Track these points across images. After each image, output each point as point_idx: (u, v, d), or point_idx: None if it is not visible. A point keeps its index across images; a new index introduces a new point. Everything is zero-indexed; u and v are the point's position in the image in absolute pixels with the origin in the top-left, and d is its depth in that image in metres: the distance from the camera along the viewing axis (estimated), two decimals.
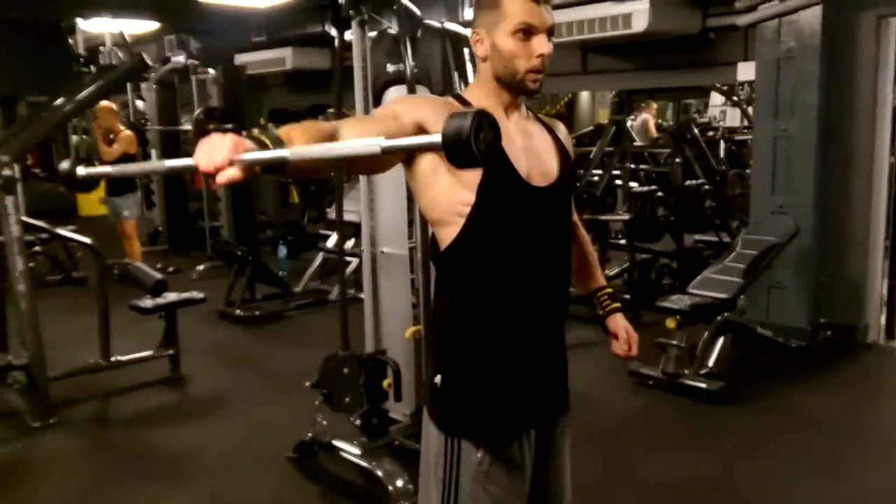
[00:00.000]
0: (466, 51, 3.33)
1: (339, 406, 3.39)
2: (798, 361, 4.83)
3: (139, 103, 9.35)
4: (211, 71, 7.89)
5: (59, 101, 4.36)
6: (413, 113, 1.59)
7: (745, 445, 3.73)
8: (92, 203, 11.13)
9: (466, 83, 3.31)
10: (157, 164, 1.33)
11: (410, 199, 3.39)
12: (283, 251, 7.83)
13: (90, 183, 1.39)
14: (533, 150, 1.71)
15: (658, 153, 7.10)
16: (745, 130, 7.97)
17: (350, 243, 7.02)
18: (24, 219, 4.52)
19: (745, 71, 5.45)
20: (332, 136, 1.40)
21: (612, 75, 6.39)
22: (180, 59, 8.22)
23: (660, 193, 5.78)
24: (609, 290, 2.00)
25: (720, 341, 4.47)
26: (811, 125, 4.93)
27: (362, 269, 3.69)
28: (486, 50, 1.68)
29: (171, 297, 4.84)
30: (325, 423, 3.51)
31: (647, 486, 3.36)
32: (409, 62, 3.14)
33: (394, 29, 3.33)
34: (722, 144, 7.33)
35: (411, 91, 3.15)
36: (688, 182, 6.23)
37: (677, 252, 6.19)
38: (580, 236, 2.00)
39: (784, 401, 4.27)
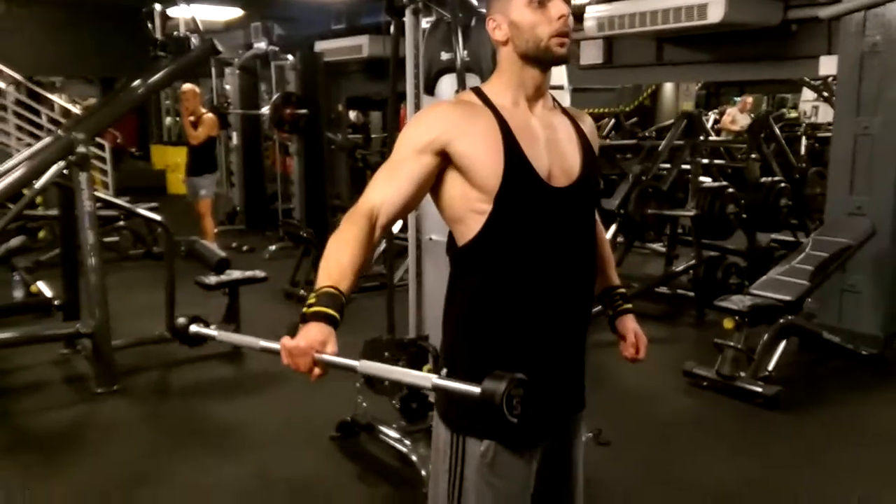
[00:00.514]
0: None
1: (379, 389, 3.43)
2: (868, 370, 4.61)
3: (227, 86, 9.66)
4: (290, 57, 8.08)
5: (136, 83, 4.54)
6: (435, 140, 1.58)
7: (797, 454, 3.59)
8: (180, 183, 11.60)
9: None
10: (251, 340, 1.60)
11: None
12: None
13: (198, 340, 1.76)
14: (556, 144, 1.67)
15: (734, 148, 6.85)
16: (830, 127, 7.59)
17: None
18: (100, 195, 4.73)
19: (828, 65, 5.20)
20: (370, 221, 1.56)
21: (688, 67, 6.20)
22: (262, 45, 8.44)
23: (730, 190, 5.59)
24: (622, 290, 1.95)
25: (782, 345, 4.31)
26: (895, 124, 4.67)
27: (410, 255, 3.71)
28: (504, 33, 1.63)
29: (235, 274, 5.00)
30: (365, 404, 3.56)
31: (687, 489, 3.28)
32: (461, 51, 3.14)
33: (449, 17, 3.32)
34: (804, 141, 7.03)
35: (461, 79, 3.14)
36: (763, 179, 6.00)
37: (748, 251, 5.99)
38: (598, 233, 1.95)
39: (846, 410, 4.08)
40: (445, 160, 1.59)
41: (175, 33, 4.70)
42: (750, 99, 11.91)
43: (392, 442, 3.42)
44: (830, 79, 8.89)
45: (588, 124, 1.80)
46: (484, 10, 3.36)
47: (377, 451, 3.52)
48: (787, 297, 4.25)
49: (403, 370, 1.38)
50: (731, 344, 4.18)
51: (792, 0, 5.24)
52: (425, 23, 3.46)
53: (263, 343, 1.53)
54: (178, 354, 4.80)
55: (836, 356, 4.70)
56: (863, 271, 4.88)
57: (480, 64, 3.28)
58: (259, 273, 5.15)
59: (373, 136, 12.58)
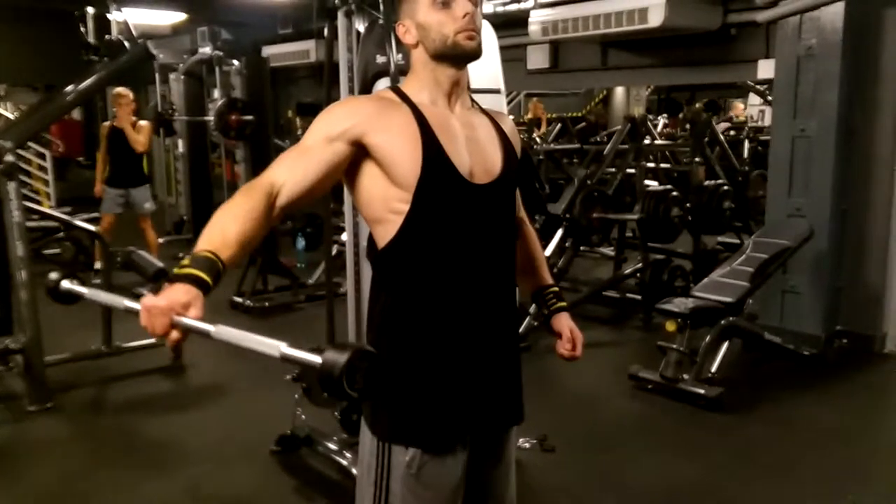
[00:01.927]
0: None
1: (317, 400, 3.36)
2: (809, 370, 4.67)
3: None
4: (235, 63, 7.94)
5: (66, 89, 4.40)
6: (348, 130, 1.55)
7: (740, 455, 3.61)
8: None
9: None
10: (117, 300, 1.44)
11: None
12: (301, 243, 7.87)
13: (71, 297, 1.58)
14: (476, 142, 1.66)
15: (679, 152, 6.92)
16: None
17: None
18: (33, 206, 4.58)
19: (766, 68, 5.28)
20: (268, 198, 1.48)
21: (633, 71, 6.25)
22: (206, 50, 8.29)
23: (675, 193, 5.63)
24: (555, 288, 1.93)
25: (724, 347, 4.35)
26: (831, 126, 4.76)
27: (346, 262, 3.64)
28: (414, 36, 1.63)
29: None
30: (303, 417, 3.48)
31: (632, 493, 3.27)
32: (394, 54, 3.09)
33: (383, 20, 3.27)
34: (747, 144, 7.14)
35: (395, 83, 3.09)
36: (706, 182, 6.07)
37: (693, 253, 6.04)
38: (526, 233, 1.93)
39: (788, 411, 4.12)
40: (361, 153, 1.56)
41: (107, 37, 4.56)
42: (741, 106, 12.06)
43: (332, 455, 3.34)
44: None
45: (508, 125, 1.79)
46: None
47: (318, 464, 3.44)
48: (728, 299, 4.29)
49: (256, 338, 1.27)
50: (674, 346, 4.20)
51: (731, 4, 5.30)
52: (360, 26, 3.41)
53: (127, 302, 1.39)
54: (115, 369, 4.67)
55: (779, 357, 4.76)
56: (803, 272, 4.95)
57: None
58: None
59: None
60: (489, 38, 3.45)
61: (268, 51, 8.67)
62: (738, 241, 6.67)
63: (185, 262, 1.36)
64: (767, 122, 11.22)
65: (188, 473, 3.44)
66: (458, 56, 1.61)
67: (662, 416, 4.08)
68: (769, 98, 9.31)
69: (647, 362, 4.40)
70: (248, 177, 8.14)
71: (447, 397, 1.65)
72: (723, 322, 4.28)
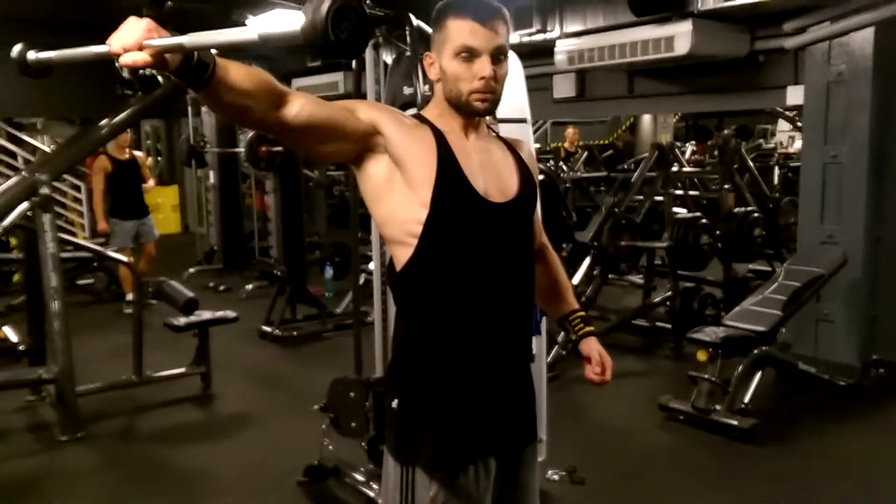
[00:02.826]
0: None
1: (345, 431, 3.35)
2: (845, 401, 4.56)
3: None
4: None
5: (101, 122, 4.50)
6: (370, 112, 1.59)
7: (775, 489, 3.52)
8: (159, 222, 11.51)
9: None
10: (84, 50, 1.31)
11: None
12: (329, 272, 7.91)
13: (41, 69, 1.44)
14: (491, 166, 1.68)
15: (707, 179, 6.87)
16: None
17: None
18: (66, 237, 4.66)
19: (795, 95, 5.23)
20: (279, 95, 1.43)
21: (658, 99, 6.24)
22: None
23: (704, 220, 5.58)
24: (581, 313, 1.93)
25: (757, 377, 4.26)
26: (863, 151, 4.70)
27: (374, 290, 3.64)
28: (436, 74, 1.67)
29: (204, 315, 4.91)
30: (331, 447, 3.47)
31: None
32: (421, 86, 3.11)
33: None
34: (776, 171, 7.07)
35: None
36: (736, 209, 6.01)
37: (724, 281, 5.97)
38: (549, 258, 1.94)
39: (824, 443, 4.02)
40: (376, 149, 1.57)
41: (141, 72, 4.65)
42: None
43: (359, 486, 3.32)
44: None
45: (525, 151, 1.82)
46: None
47: (345, 495, 3.42)
48: (761, 328, 4.22)
49: (228, 31, 1.13)
50: (706, 377, 4.13)
51: (759, 31, 5.28)
52: (387, 58, 3.45)
53: (95, 49, 1.26)
54: (145, 399, 4.70)
55: (813, 387, 4.65)
56: (837, 300, 4.86)
57: None
58: (229, 313, 5.07)
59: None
60: (515, 69, 3.46)
61: (297, 83, 8.79)
62: (769, 268, 6.58)
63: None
64: (796, 147, 11.14)
65: (216, 503, 3.44)
66: (468, 113, 1.65)
67: (694, 448, 4.00)
68: (799, 124, 9.24)
69: (678, 392, 4.33)
70: (279, 207, 8.24)
71: (467, 417, 1.65)
72: (755, 352, 4.21)
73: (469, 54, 1.59)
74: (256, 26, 1.10)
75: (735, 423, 3.99)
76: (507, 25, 1.63)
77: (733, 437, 3.99)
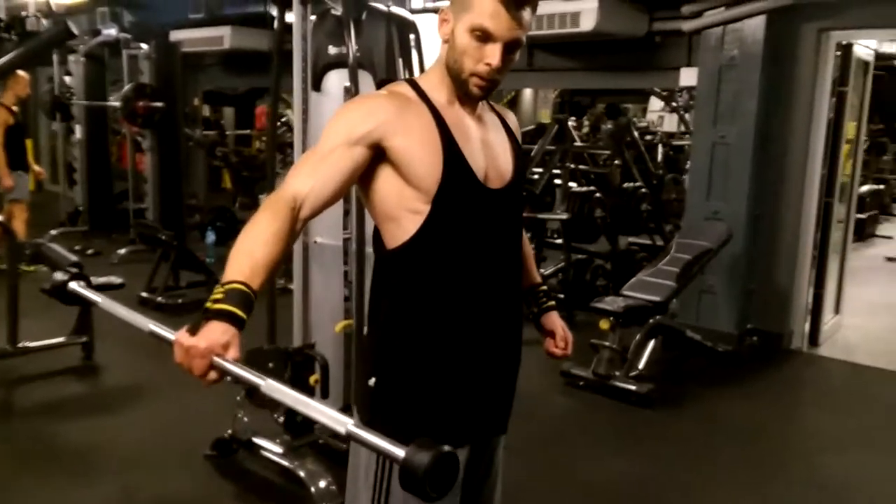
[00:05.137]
0: (412, 37, 3.20)
1: (262, 402, 3.22)
2: (725, 366, 4.88)
3: (66, 77, 8.91)
4: (144, 46, 7.56)
5: None
6: (369, 134, 1.49)
7: (675, 449, 3.73)
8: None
9: (411, 71, 3.19)
10: (141, 320, 1.44)
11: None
12: (211, 237, 7.59)
13: (73, 299, 1.58)
14: (490, 145, 1.63)
15: (598, 154, 7.10)
16: (684, 136, 8.07)
17: None
18: None
19: (688, 76, 5.47)
20: (292, 213, 1.42)
21: (556, 74, 6.34)
22: (111, 32, 7.86)
23: (598, 194, 5.77)
24: (545, 287, 1.95)
25: (651, 344, 4.48)
26: (749, 133, 4.99)
27: (293, 259, 3.52)
28: (446, 34, 1.57)
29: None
30: (246, 419, 3.34)
31: (574, 488, 3.32)
32: (353, 46, 3.00)
33: (337, 10, 3.18)
34: (660, 149, 7.41)
35: (353, 76, 3.01)
36: (625, 184, 6.25)
37: (612, 254, 6.21)
38: None
39: (711, 405, 4.29)
40: (378, 155, 1.51)
41: (23, 14, 4.23)
42: None
43: (276, 458, 3.22)
44: (677, 91, 9.45)
45: (513, 121, 1.78)
46: (375, 5, 3.26)
47: (258, 468, 3.31)
48: (657, 298, 4.42)
49: (319, 407, 1.20)
50: (607, 344, 4.30)
51: (657, 13, 5.47)
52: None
53: (154, 327, 1.39)
54: (22, 370, 4.34)
55: (697, 354, 4.94)
56: (719, 273, 5.17)
57: (373, 60, 3.17)
58: (115, 279, 4.74)
59: (227, 132, 12.03)
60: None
61: (176, 35, 8.29)
62: (649, 242, 6.90)
63: (218, 295, 1.32)
64: (666, 127, 11.71)
65: (120, 480, 3.24)
66: (461, 89, 1.57)
67: (596, 412, 4.16)
68: (673, 104, 9.71)
69: (576, 360, 4.47)
70: (156, 166, 7.79)
71: (455, 401, 1.63)
72: (651, 321, 4.42)
73: (484, 36, 1.50)
74: (348, 422, 1.17)
75: (633, 388, 4.19)
76: (533, 17, 1.57)
77: (631, 401, 4.18)
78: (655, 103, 12.11)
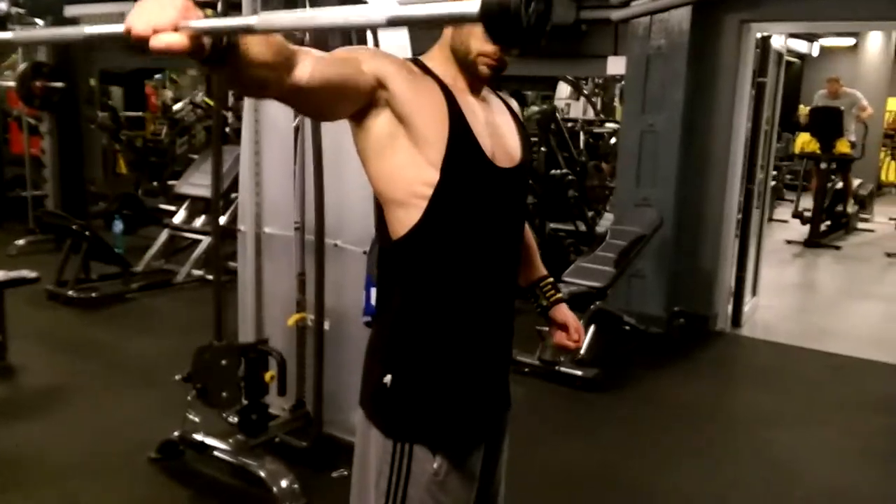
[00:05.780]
0: (370, 37, 3.07)
1: (216, 401, 3.06)
2: (658, 348, 5.01)
3: None
4: (39, 22, 7.03)
5: None
6: (374, 64, 1.41)
7: (626, 432, 3.81)
8: None
9: None
10: (73, 30, 1.00)
11: (303, 176, 3.13)
12: (118, 226, 7.17)
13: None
14: (495, 127, 1.58)
15: None
16: (602, 124, 8.23)
17: (199, 220, 6.56)
18: None
19: (615, 65, 5.56)
20: (289, 57, 1.23)
21: None
22: (2, 6, 7.25)
23: (530, 181, 5.79)
24: (551, 279, 1.92)
25: (591, 329, 4.54)
26: (676, 122, 5.11)
27: (241, 250, 3.35)
28: None
29: None
30: (197, 419, 3.16)
31: (529, 475, 3.32)
32: (306, 39, 2.86)
33: None
34: (581, 136, 7.54)
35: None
36: (553, 171, 6.31)
37: (541, 240, 6.26)
38: None
39: (653, 386, 4.41)
40: (382, 105, 1.42)
41: None
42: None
43: (231, 459, 3.07)
44: (582, 80, 9.63)
45: (515, 106, 1.74)
46: None
47: (211, 470, 3.15)
48: (598, 284, 4.49)
49: (338, 11, 0.89)
50: None
51: (584, 1, 5.52)
52: None
53: (90, 29, 0.98)
54: None
55: (630, 337, 5.06)
56: (648, 257, 5.28)
57: (326, 42, 3.03)
58: (28, 273, 4.40)
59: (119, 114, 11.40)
60: (401, 36, 3.32)
61: (73, 11, 7.74)
62: (572, 228, 7.01)
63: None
64: (572, 114, 11.93)
65: (57, 489, 3.02)
66: (468, 72, 1.52)
67: (545, 398, 4.19)
68: (584, 92, 9.89)
69: (519, 347, 4.49)
70: (54, 151, 7.31)
71: (472, 391, 1.60)
72: (592, 306, 4.48)
73: None
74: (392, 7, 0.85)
75: (580, 373, 4.24)
76: None
77: (577, 386, 4.23)
78: (562, 91, 12.30)
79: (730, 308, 5.55)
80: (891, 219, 10.19)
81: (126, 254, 6.49)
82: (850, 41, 12.99)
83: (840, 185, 9.09)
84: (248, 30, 0.93)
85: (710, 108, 5.21)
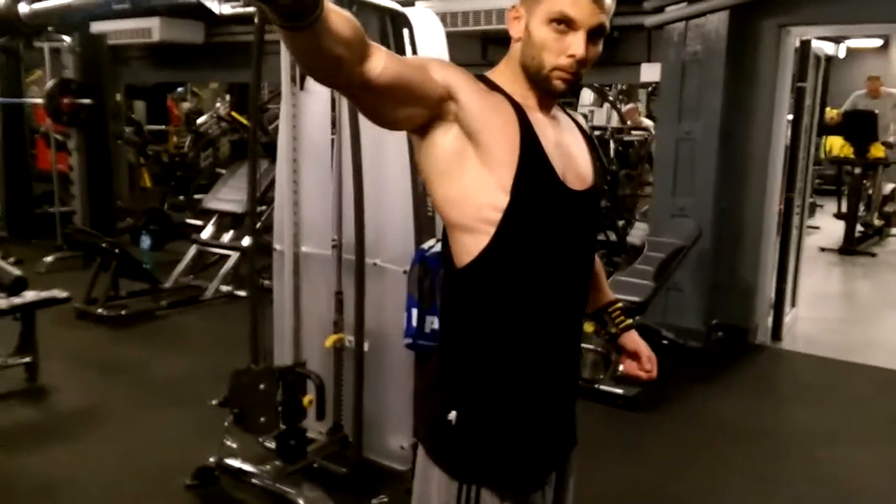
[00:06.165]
0: (406, 31, 3.00)
1: (253, 427, 2.99)
2: (697, 363, 4.86)
3: None
4: (66, 38, 7.04)
5: None
6: (445, 74, 1.34)
7: (673, 451, 3.69)
8: None
9: None
10: None
11: (340, 193, 3.04)
12: (146, 242, 7.14)
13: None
14: (565, 147, 1.49)
15: None
16: (633, 132, 8.10)
17: (228, 236, 6.51)
18: None
19: (649, 72, 5.44)
20: (365, 44, 1.20)
21: None
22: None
23: None
24: (620, 304, 1.83)
25: None
26: (714, 129, 4.98)
27: (277, 270, 3.28)
28: (519, 31, 1.44)
29: (30, 295, 4.18)
30: (234, 445, 3.08)
31: (593, 498, 3.20)
32: None
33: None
34: (611, 144, 7.43)
35: None
36: None
37: None
38: None
39: (695, 403, 4.27)
40: (448, 116, 1.34)
41: None
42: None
43: (269, 486, 2.98)
44: (607, 86, 9.50)
45: (584, 125, 1.65)
46: None
47: (248, 497, 3.06)
48: (638, 298, 4.35)
49: None
50: (592, 347, 4.21)
51: (618, 7, 5.39)
52: None
53: None
54: None
55: (668, 352, 4.92)
56: (685, 269, 5.15)
57: None
58: (59, 293, 4.36)
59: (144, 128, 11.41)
60: (436, 27, 3.25)
61: (99, 27, 7.76)
62: (603, 238, 6.87)
63: None
64: (596, 122, 11.79)
65: None
66: (543, 89, 1.44)
67: (587, 417, 4.04)
68: (610, 99, 9.76)
69: None
70: (83, 167, 7.31)
71: (541, 430, 1.52)
72: (631, 321, 4.34)
73: (565, 25, 1.37)
74: None
75: (621, 391, 4.12)
76: (615, 1, 1.44)
77: (618, 404, 4.11)
78: (585, 98, 12.17)
79: (769, 320, 5.39)
80: None
81: (154, 270, 6.46)
82: (878, 42, 12.75)
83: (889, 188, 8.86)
84: None
85: (748, 115, 5.07)
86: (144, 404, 4.05)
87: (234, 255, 6.16)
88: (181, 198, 8.67)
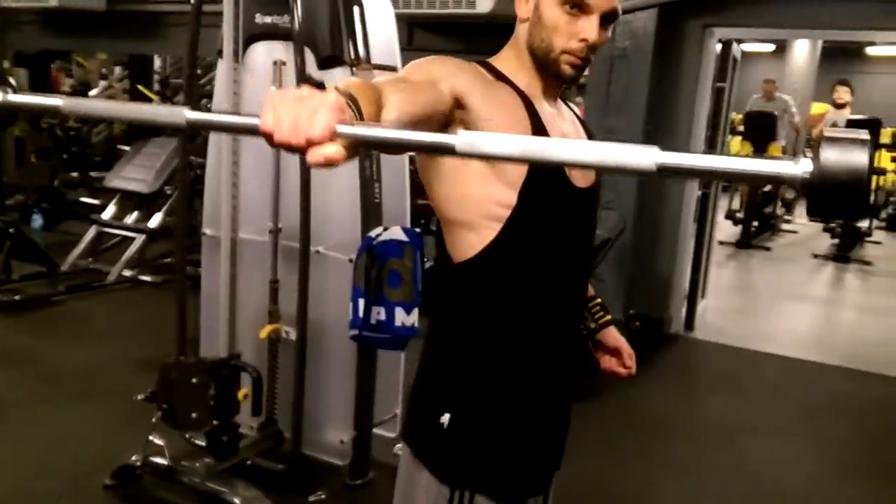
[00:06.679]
0: (356, 10, 2.86)
1: (184, 422, 2.80)
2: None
3: None
4: None
5: None
6: (452, 80, 1.25)
7: (600, 441, 3.70)
8: None
9: (356, 48, 2.85)
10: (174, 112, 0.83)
11: (278, 176, 2.89)
12: (37, 221, 6.69)
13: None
14: (569, 139, 1.42)
15: None
16: None
17: (132, 217, 6.15)
18: None
19: None
20: (379, 100, 1.03)
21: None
22: None
23: None
24: (599, 300, 1.78)
25: None
26: (638, 125, 5.05)
27: (208, 256, 3.08)
28: (527, 12, 1.37)
29: None
30: (160, 442, 2.88)
31: None
32: (298, 15, 2.63)
33: None
34: None
35: (298, 51, 2.64)
36: None
37: None
38: None
39: (617, 395, 4.25)
40: (455, 121, 1.25)
41: None
42: None
43: (199, 484, 2.80)
44: None
45: (581, 114, 1.61)
46: None
47: (176, 497, 2.88)
48: None
49: (425, 137, 0.83)
50: None
51: None
52: None
53: (245, 120, 0.82)
54: None
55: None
56: (608, 261, 5.23)
57: (314, 33, 2.80)
58: None
59: None
60: (384, 9, 3.12)
61: None
62: None
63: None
64: None
65: None
66: (551, 73, 1.38)
67: None
68: None
69: None
70: None
71: (538, 435, 1.47)
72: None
73: (578, 8, 1.31)
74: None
75: None
76: None
77: None
78: None
79: (683, 311, 5.56)
80: (811, 220, 10.56)
81: (48, 251, 6.02)
82: (772, 46, 13.43)
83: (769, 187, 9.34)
84: (450, 147, 0.79)
85: (671, 112, 5.19)
86: (49, 399, 3.75)
87: (139, 238, 5.81)
88: (75, 174, 8.14)
